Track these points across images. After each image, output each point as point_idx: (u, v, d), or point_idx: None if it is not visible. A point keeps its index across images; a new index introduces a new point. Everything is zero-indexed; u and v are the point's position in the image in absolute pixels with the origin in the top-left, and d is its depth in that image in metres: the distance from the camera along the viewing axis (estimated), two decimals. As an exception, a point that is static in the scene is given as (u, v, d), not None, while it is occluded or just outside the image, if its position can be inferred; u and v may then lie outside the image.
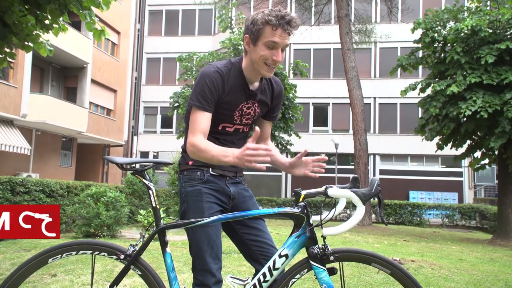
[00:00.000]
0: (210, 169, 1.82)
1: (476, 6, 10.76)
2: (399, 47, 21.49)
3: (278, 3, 19.58)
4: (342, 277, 1.68)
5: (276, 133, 14.17)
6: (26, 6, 4.30)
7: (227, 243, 6.41)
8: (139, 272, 1.72)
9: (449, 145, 11.17)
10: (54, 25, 4.68)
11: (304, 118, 16.28)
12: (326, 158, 1.82)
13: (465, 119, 9.91)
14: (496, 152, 10.43)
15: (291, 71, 15.61)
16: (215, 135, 1.83)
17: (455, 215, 16.21)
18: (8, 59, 4.82)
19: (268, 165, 1.80)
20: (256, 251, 1.86)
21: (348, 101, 13.77)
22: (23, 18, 4.38)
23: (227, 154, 1.61)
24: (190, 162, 1.83)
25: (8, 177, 7.13)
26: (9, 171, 13.76)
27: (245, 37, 1.75)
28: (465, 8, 11.03)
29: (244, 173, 2.06)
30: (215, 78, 1.73)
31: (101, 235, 7.41)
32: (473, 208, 16.29)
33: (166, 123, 23.85)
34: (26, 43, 4.69)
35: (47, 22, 4.59)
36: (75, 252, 1.69)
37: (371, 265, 1.65)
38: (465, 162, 19.08)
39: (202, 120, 1.72)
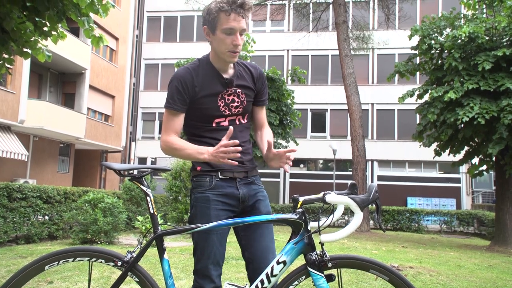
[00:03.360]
0: (219, 173, 1.81)
1: (473, 14, 10.86)
2: (396, 53, 21.62)
3: (276, 10, 19.71)
4: (340, 284, 1.68)
5: (274, 139, 14.20)
6: (24, 13, 4.31)
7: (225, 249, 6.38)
8: (137, 279, 1.71)
9: (447, 151, 11.20)
10: (53, 32, 4.69)
11: (302, 124, 16.32)
12: (295, 149, 1.80)
13: (462, 125, 9.96)
14: (494, 158, 10.46)
15: (289, 78, 15.68)
16: (213, 136, 1.82)
17: (453, 221, 16.20)
18: (7, 65, 4.82)
19: (238, 164, 1.76)
20: (246, 257, 1.85)
21: (346, 107, 13.81)
22: (21, 24, 4.38)
23: (202, 151, 1.68)
24: (198, 168, 1.83)
25: (5, 183, 7.09)
26: (6, 177, 13.70)
27: (204, 28, 1.79)
28: (462, 15, 11.13)
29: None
30: (182, 77, 1.78)
31: (99, 242, 7.37)
32: (471, 214, 16.29)
33: (164, 129, 23.84)
34: (24, 49, 4.69)
35: (45, 28, 4.60)
36: (72, 259, 1.68)
37: (369, 272, 1.65)
38: (463, 168, 19.15)
39: (173, 119, 1.79)
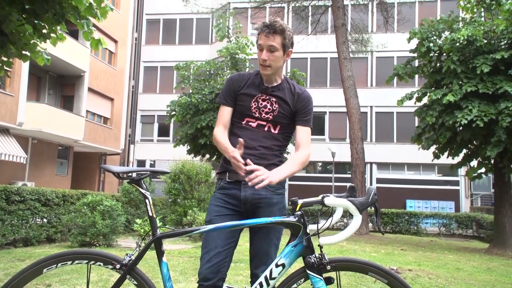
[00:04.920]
0: (227, 176, 2.00)
1: (471, 17, 10.90)
2: (395, 56, 21.69)
3: (275, 13, 19.76)
4: (339, 287, 1.68)
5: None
6: (24, 15, 4.31)
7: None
8: (135, 282, 1.70)
9: (446, 154, 11.22)
10: (52, 34, 4.69)
11: (301, 126, 16.31)
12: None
13: (461, 128, 9.97)
14: (493, 161, 10.48)
15: (288, 80, 15.68)
16: (237, 131, 2.04)
17: (452, 224, 16.21)
18: (6, 67, 4.82)
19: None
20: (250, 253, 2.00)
21: (345, 110, 13.83)
22: (21, 27, 4.39)
23: (227, 151, 1.90)
24: (217, 172, 2.08)
25: (3, 186, 7.06)
26: (4, 179, 13.66)
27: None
28: (460, 18, 11.17)
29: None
30: (232, 77, 2.12)
31: (97, 244, 7.35)
32: (469, 217, 16.29)
33: (163, 131, 23.84)
34: (23, 52, 4.69)
35: (44, 31, 4.60)
36: (70, 262, 1.68)
37: (368, 275, 1.65)
38: (462, 171, 19.16)
39: (221, 112, 2.08)
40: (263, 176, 1.70)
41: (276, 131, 2.03)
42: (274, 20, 1.96)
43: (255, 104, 2.03)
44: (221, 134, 2.00)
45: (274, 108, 2.02)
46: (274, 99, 2.03)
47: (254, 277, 1.94)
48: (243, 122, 2.03)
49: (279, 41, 1.95)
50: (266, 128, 2.02)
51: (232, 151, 1.84)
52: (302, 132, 2.04)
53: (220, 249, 1.88)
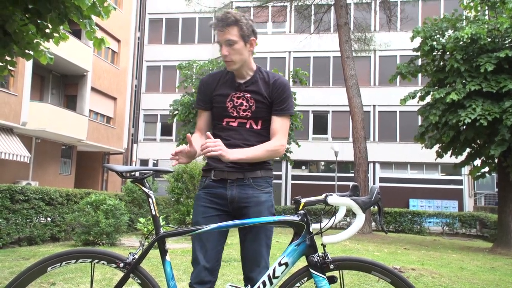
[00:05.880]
0: (212, 174, 1.94)
1: (475, 15, 10.84)
2: (398, 55, 21.60)
3: (277, 11, 19.73)
4: (342, 286, 1.68)
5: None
6: (27, 15, 4.33)
7: (226, 251, 6.38)
8: (139, 281, 1.71)
9: (449, 153, 11.17)
10: (55, 34, 4.71)
11: (303, 126, 16.32)
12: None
13: (464, 127, 9.93)
14: (496, 160, 10.43)
15: (291, 79, 15.68)
16: (219, 132, 1.98)
17: (455, 223, 16.15)
18: (9, 67, 4.84)
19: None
20: (241, 255, 1.95)
21: (347, 109, 13.80)
22: (24, 27, 4.40)
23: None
24: (202, 169, 2.03)
25: (7, 185, 7.10)
26: (8, 179, 13.73)
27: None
28: (464, 17, 11.11)
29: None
30: (205, 79, 2.06)
31: (101, 243, 7.37)
32: (473, 216, 16.23)
33: (166, 130, 23.87)
34: (26, 51, 4.71)
35: (47, 30, 4.62)
36: (74, 261, 1.68)
37: (371, 274, 1.64)
38: (465, 170, 19.08)
39: (199, 118, 2.08)
40: (215, 148, 1.71)
41: (259, 127, 1.96)
42: (226, 12, 1.88)
43: (230, 104, 1.96)
44: (194, 139, 1.91)
45: (251, 104, 1.94)
46: (248, 95, 1.95)
47: (249, 281, 1.90)
48: (224, 123, 1.97)
49: (235, 33, 1.86)
50: (248, 126, 1.95)
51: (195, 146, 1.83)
52: (277, 122, 1.94)
53: (214, 250, 1.86)
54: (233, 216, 1.91)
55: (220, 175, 1.91)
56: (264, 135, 1.96)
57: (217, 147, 1.72)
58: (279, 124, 1.94)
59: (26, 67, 13.99)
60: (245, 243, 1.91)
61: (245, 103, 1.94)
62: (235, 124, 1.95)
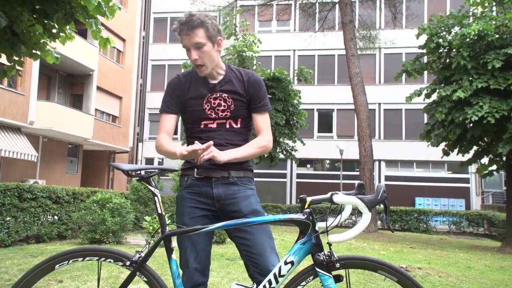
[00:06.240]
0: (195, 172, 1.89)
1: (482, 12, 10.73)
2: (403, 52, 21.47)
3: (282, 10, 19.70)
4: (348, 284, 1.67)
5: (281, 139, 14.17)
6: (34, 16, 4.37)
7: (232, 249, 6.39)
8: (145, 279, 1.72)
9: (455, 151, 11.09)
10: (61, 34, 4.75)
11: (308, 124, 16.27)
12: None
13: (471, 124, 9.84)
14: (504, 158, 10.33)
15: (296, 77, 15.64)
16: (198, 134, 1.92)
17: (462, 222, 16.02)
18: (17, 67, 4.89)
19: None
20: (245, 256, 1.85)
21: (352, 107, 13.76)
22: (31, 27, 4.44)
23: (176, 152, 1.74)
24: (181, 168, 1.96)
25: (15, 184, 7.17)
26: (16, 177, 13.87)
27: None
28: (471, 13, 11.00)
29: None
30: (171, 83, 1.97)
31: (107, 242, 7.42)
32: (480, 215, 16.09)
33: (171, 129, 23.95)
34: (34, 51, 4.75)
35: (54, 30, 4.65)
36: (81, 259, 1.70)
37: (377, 272, 1.64)
38: (472, 168, 18.94)
39: (165, 121, 1.95)
40: (207, 151, 1.67)
41: (239, 125, 1.94)
42: (190, 15, 1.84)
43: (208, 106, 1.90)
44: (165, 140, 1.88)
45: (229, 104, 1.91)
46: (225, 95, 1.91)
47: (265, 274, 1.79)
48: (201, 126, 1.91)
49: (202, 35, 1.81)
50: (227, 125, 1.92)
51: (184, 148, 1.68)
52: (259, 119, 1.95)
53: (204, 250, 1.85)
54: (220, 214, 1.88)
55: (204, 173, 1.87)
56: (244, 133, 1.96)
57: (208, 150, 1.69)
58: (262, 121, 1.95)
59: (33, 67, 14.10)
60: (250, 239, 1.82)
61: (223, 103, 1.90)
62: (213, 125, 1.91)
